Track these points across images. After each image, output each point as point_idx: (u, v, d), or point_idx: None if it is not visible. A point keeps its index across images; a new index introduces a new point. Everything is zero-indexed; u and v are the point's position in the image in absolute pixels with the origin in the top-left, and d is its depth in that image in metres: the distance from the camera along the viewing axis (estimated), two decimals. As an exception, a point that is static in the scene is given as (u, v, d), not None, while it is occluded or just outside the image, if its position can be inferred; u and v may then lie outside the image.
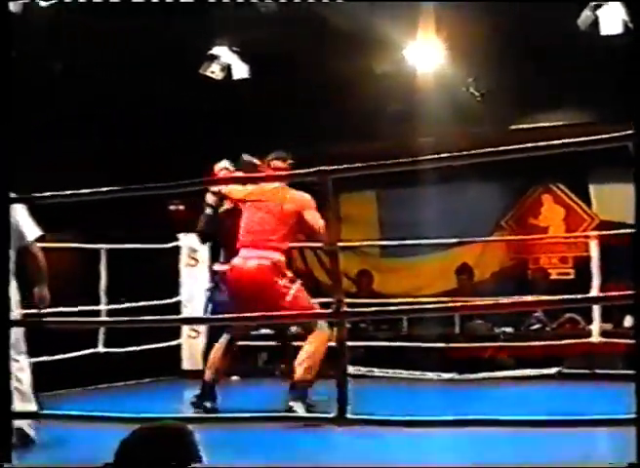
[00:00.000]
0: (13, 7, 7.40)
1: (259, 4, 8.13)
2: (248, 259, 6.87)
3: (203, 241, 8.23)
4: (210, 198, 7.59)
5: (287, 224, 6.94)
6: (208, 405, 7.05)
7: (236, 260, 6.95)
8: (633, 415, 3.05)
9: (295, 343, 7.50)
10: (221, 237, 7.68)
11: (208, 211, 7.63)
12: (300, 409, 6.49)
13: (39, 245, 6.11)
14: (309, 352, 6.80)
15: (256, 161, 7.22)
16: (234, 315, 6.69)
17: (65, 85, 9.44)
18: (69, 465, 4.78)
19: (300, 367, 6.76)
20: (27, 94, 9.19)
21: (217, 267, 7.90)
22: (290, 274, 6.94)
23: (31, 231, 5.87)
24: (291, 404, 6.59)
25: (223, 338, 7.18)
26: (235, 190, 7.20)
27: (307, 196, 6.88)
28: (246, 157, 7.26)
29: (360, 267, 11.35)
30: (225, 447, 5.56)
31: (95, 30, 8.53)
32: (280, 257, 6.88)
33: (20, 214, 5.61)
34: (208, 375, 7.21)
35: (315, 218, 6.83)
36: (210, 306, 7.95)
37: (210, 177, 7.14)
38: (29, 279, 5.90)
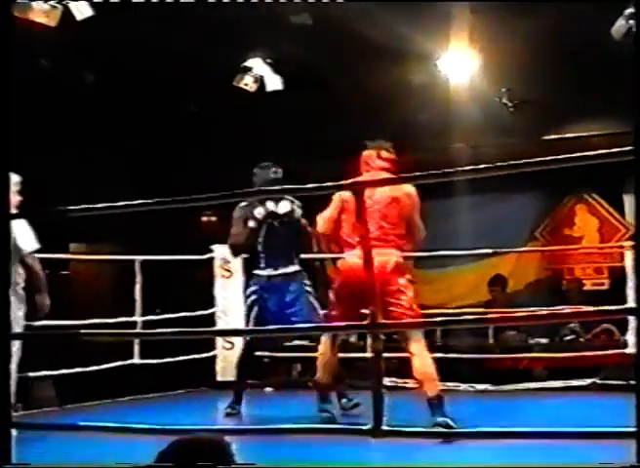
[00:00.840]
0: (48, 20, 7.49)
1: (291, 16, 8.18)
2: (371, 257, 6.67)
3: (237, 254, 8.16)
4: (259, 212, 7.55)
5: (404, 222, 6.78)
6: (334, 412, 6.99)
7: (353, 259, 6.57)
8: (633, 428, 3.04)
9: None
10: (265, 247, 7.65)
11: (252, 224, 7.58)
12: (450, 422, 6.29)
13: (36, 255, 6.15)
14: (428, 364, 6.70)
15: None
16: (269, 327, 6.71)
17: (96, 96, 9.52)
18: (69, 465, 4.79)
19: (427, 381, 6.61)
20: (58, 105, 9.32)
21: (264, 272, 7.76)
22: (408, 275, 6.76)
23: (27, 243, 5.91)
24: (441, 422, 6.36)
25: (327, 345, 6.96)
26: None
27: (414, 191, 6.76)
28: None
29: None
30: (259, 459, 5.59)
31: (127, 43, 8.60)
32: (399, 254, 6.70)
33: (17, 227, 5.64)
34: (323, 381, 7.05)
35: (418, 220, 6.83)
36: (255, 311, 7.78)
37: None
38: (28, 289, 5.94)
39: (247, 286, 7.95)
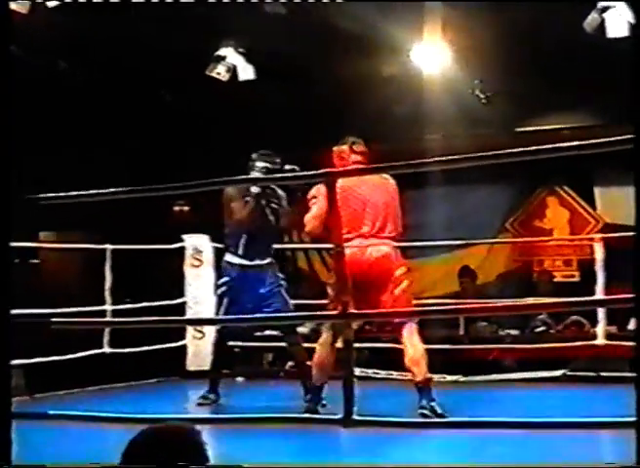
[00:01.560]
0: (19, 7, 7.43)
1: (265, 4, 8.15)
2: (367, 248, 6.67)
3: (241, 233, 7.68)
4: (254, 189, 7.44)
5: (398, 209, 6.85)
6: (319, 407, 6.85)
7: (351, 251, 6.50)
8: (634, 418, 3.05)
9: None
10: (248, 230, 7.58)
11: (249, 199, 7.50)
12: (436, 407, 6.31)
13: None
14: (419, 348, 6.66)
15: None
16: (243, 317, 6.71)
17: (71, 87, 9.48)
18: (70, 465, 4.78)
19: (416, 366, 6.60)
20: (36, 97, 9.26)
21: (237, 260, 7.69)
22: (405, 267, 6.78)
23: None
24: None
25: (326, 336, 6.86)
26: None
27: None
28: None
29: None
30: (230, 448, 5.59)
31: (97, 33, 8.56)
32: (395, 245, 6.76)
33: None
34: (315, 378, 6.94)
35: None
36: (226, 301, 7.60)
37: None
38: None
39: (219, 273, 7.89)
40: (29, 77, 9.01)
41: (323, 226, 6.68)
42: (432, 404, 6.28)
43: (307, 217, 6.80)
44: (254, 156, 7.48)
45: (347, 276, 6.46)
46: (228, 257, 7.63)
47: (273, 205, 7.54)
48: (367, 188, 6.69)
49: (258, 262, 7.53)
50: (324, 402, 6.81)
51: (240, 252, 7.53)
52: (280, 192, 7.55)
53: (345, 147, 6.91)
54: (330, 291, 6.72)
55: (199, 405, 7.53)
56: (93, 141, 10.20)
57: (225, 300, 7.55)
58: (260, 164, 7.40)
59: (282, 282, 7.62)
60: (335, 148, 6.96)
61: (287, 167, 7.08)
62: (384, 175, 6.71)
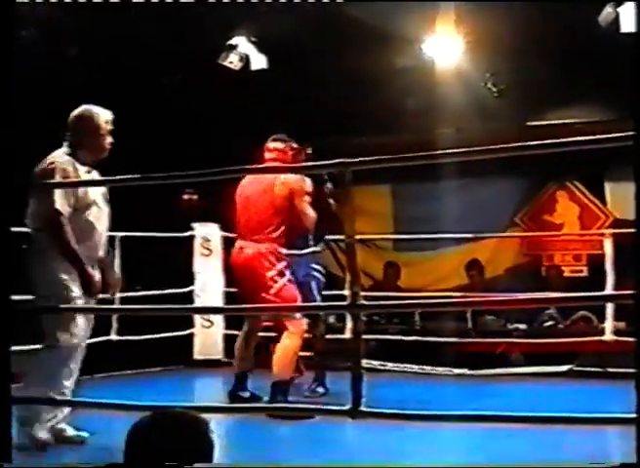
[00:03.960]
0: None
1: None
2: (243, 249, 6.88)
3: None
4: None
5: (280, 211, 6.85)
6: (245, 395, 7.07)
7: (234, 250, 7.00)
8: (634, 415, 3.05)
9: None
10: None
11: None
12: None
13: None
14: (285, 349, 6.71)
15: None
16: (245, 306, 6.75)
17: (80, 75, 9.46)
18: (69, 465, 4.80)
19: (277, 365, 6.67)
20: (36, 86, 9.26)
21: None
22: (280, 266, 6.81)
23: None
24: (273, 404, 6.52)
25: (243, 329, 7.21)
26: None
27: (296, 179, 6.87)
28: None
29: (374, 261, 11.36)
30: (234, 438, 5.61)
31: (108, 22, 8.54)
32: (270, 246, 6.81)
33: None
34: (236, 366, 7.24)
35: (302, 205, 6.84)
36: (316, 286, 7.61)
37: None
38: None
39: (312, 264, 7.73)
40: (37, 62, 9.04)
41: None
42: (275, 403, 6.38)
43: None
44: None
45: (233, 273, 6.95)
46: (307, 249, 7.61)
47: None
48: (251, 187, 6.93)
49: (295, 251, 7.41)
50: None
51: (311, 242, 7.56)
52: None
53: (266, 145, 7.11)
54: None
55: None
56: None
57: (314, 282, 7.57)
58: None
59: (315, 273, 7.59)
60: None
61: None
62: (279, 178, 6.83)
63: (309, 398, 7.32)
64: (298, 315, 6.79)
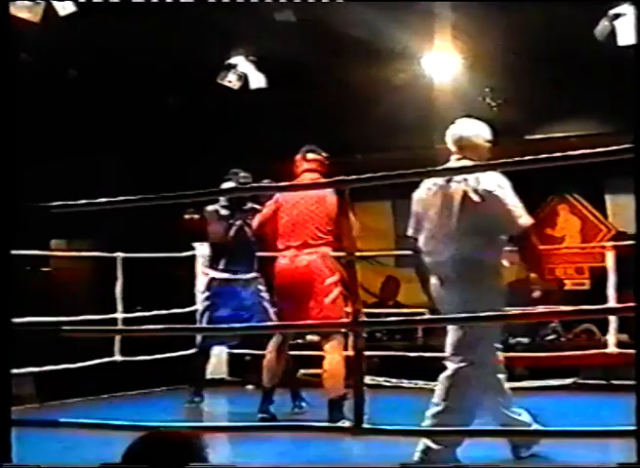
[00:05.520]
0: (33, 17, 7.45)
1: (275, 12, 8.16)
2: (298, 256, 6.94)
3: (218, 250, 8.15)
4: (229, 210, 7.71)
5: (333, 220, 6.96)
6: (269, 410, 7.12)
7: (283, 258, 7.04)
8: (634, 427, 3.04)
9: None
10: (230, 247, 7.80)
11: (224, 221, 7.76)
12: (347, 423, 6.39)
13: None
14: (335, 364, 6.78)
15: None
16: (253, 325, 6.79)
17: (82, 95, 9.50)
18: (70, 465, 4.78)
19: (332, 383, 6.74)
20: (44, 103, 9.29)
21: (221, 275, 7.92)
22: (337, 276, 6.92)
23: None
24: (338, 423, 6.37)
25: (273, 343, 7.17)
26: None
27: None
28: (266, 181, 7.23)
29: (376, 277, 11.35)
30: (239, 456, 5.60)
31: (107, 41, 8.58)
32: (327, 255, 6.96)
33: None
34: (266, 382, 7.23)
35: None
36: (207, 316, 7.94)
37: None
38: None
39: (205, 287, 8.12)
40: (39, 84, 9.07)
41: (267, 229, 7.23)
42: (340, 423, 6.24)
43: (257, 216, 7.37)
44: (225, 177, 7.78)
45: (278, 285, 6.97)
46: (211, 273, 8.02)
47: (249, 221, 7.77)
48: (305, 197, 7.00)
49: (241, 276, 7.88)
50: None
51: (221, 266, 7.89)
52: (257, 207, 7.72)
53: (299, 156, 7.22)
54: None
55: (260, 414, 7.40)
56: (103, 149, 10.23)
57: (206, 314, 7.95)
58: (239, 181, 7.71)
59: (263, 294, 7.89)
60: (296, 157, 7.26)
61: (264, 181, 7.25)
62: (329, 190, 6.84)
63: (296, 414, 7.49)
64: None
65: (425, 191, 5.45)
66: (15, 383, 9.16)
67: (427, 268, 5.47)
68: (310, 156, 7.18)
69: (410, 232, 5.64)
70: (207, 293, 8.02)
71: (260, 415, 7.02)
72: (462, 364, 5.16)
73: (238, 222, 7.82)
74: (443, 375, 5.20)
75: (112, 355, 8.76)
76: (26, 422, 5.06)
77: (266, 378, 7.19)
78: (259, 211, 7.60)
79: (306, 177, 7.03)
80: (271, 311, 7.72)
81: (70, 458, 5.47)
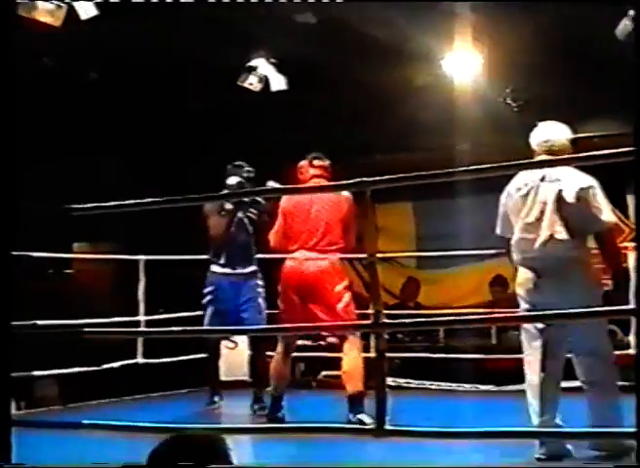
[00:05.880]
0: (55, 21, 7.48)
1: (296, 14, 8.18)
2: (308, 260, 6.95)
3: (218, 247, 8.16)
4: (229, 204, 7.76)
5: (346, 225, 7.01)
6: (279, 415, 7.14)
7: (293, 262, 7.04)
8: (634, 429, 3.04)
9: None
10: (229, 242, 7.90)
11: (224, 213, 7.86)
12: (367, 420, 6.42)
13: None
14: (353, 363, 6.83)
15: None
16: (276, 326, 6.80)
17: (99, 96, 9.54)
18: (70, 465, 4.80)
19: (351, 381, 6.79)
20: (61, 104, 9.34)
21: (222, 270, 7.98)
22: (347, 281, 6.99)
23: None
24: (358, 417, 6.59)
25: (279, 347, 7.23)
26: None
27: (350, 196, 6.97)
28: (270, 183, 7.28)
29: (397, 278, 11.34)
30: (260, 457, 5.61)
31: (128, 42, 8.60)
32: (337, 260, 6.99)
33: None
34: (273, 387, 7.28)
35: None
36: (210, 310, 7.99)
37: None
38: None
39: (205, 283, 8.11)
40: (61, 88, 9.12)
41: (284, 240, 7.17)
42: (359, 416, 6.52)
43: (270, 233, 7.28)
44: (229, 167, 7.86)
45: (286, 287, 6.94)
46: (212, 268, 8.01)
47: (251, 215, 7.87)
48: (319, 201, 7.01)
49: (240, 270, 7.90)
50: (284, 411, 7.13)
51: (222, 261, 7.92)
52: (260, 200, 7.81)
53: (305, 162, 7.27)
54: (279, 299, 7.13)
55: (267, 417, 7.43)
56: (128, 151, 10.29)
57: (210, 309, 7.96)
58: (242, 174, 7.76)
59: (260, 289, 7.95)
60: (299, 164, 7.32)
61: (269, 183, 7.28)
62: (342, 194, 6.90)
63: (256, 415, 7.63)
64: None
65: (515, 191, 5.64)
66: (38, 385, 9.27)
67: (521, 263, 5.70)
68: (317, 162, 7.22)
69: (498, 231, 5.85)
70: (209, 288, 8.02)
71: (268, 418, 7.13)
72: None
73: (239, 215, 7.85)
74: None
75: (135, 357, 8.79)
76: (29, 423, 5.09)
77: (274, 385, 7.25)
78: (259, 203, 7.75)
79: (315, 182, 7.09)
80: (264, 307, 7.87)
81: (91, 459, 5.48)
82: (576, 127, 10.06)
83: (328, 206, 7.00)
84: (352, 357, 6.84)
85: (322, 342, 9.06)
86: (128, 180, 10.10)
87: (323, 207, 7.01)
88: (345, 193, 6.90)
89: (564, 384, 8.81)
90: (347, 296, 6.90)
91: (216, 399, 8.16)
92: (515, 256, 5.73)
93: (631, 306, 5.32)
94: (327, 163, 7.24)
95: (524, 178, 5.56)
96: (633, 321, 8.50)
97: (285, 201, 7.18)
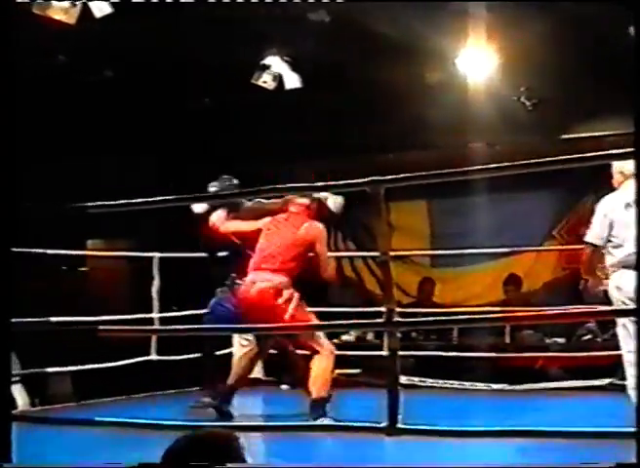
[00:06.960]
0: (67, 18, 7.50)
1: (309, 13, 8.18)
2: (254, 283, 7.01)
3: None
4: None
5: (297, 249, 7.03)
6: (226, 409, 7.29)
7: (244, 284, 7.16)
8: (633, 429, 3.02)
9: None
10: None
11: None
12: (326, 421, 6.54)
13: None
14: (322, 369, 6.87)
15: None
16: (287, 325, 6.80)
17: (113, 94, 9.55)
18: (70, 465, 4.80)
19: (314, 385, 6.83)
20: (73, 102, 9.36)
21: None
22: (287, 294, 6.94)
23: None
24: (315, 422, 6.60)
25: (256, 348, 7.48)
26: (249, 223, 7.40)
27: (322, 228, 7.06)
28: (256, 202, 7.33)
29: (412, 277, 11.34)
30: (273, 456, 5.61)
31: (142, 41, 8.62)
32: (283, 279, 6.96)
33: None
34: (233, 382, 7.48)
35: (324, 252, 7.06)
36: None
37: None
38: None
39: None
40: (75, 86, 9.13)
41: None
42: (319, 421, 6.53)
43: None
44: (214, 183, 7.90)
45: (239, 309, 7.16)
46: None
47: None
48: (274, 226, 7.15)
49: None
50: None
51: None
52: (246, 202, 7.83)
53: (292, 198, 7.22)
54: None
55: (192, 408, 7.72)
56: (139, 149, 10.30)
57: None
58: (227, 187, 7.83)
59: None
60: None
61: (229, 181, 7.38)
62: (307, 224, 7.06)
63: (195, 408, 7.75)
64: (321, 336, 6.95)
65: (625, 207, 6.07)
66: (52, 382, 9.29)
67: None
68: (298, 200, 7.20)
69: (591, 239, 6.35)
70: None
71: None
72: None
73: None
74: None
75: (149, 354, 8.81)
76: (31, 419, 5.10)
77: (236, 379, 7.45)
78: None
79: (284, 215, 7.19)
80: None
81: (102, 457, 5.50)
82: (590, 126, 10.12)
83: (286, 229, 7.10)
84: (322, 365, 6.88)
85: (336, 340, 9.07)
86: (152, 180, 10.13)
87: (280, 228, 7.14)
88: (312, 223, 7.05)
89: (564, 384, 8.88)
90: (291, 306, 6.88)
91: (205, 399, 8.12)
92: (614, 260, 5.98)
93: (631, 306, 5.28)
94: (309, 201, 7.22)
95: (630, 193, 5.81)
96: None
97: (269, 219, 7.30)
